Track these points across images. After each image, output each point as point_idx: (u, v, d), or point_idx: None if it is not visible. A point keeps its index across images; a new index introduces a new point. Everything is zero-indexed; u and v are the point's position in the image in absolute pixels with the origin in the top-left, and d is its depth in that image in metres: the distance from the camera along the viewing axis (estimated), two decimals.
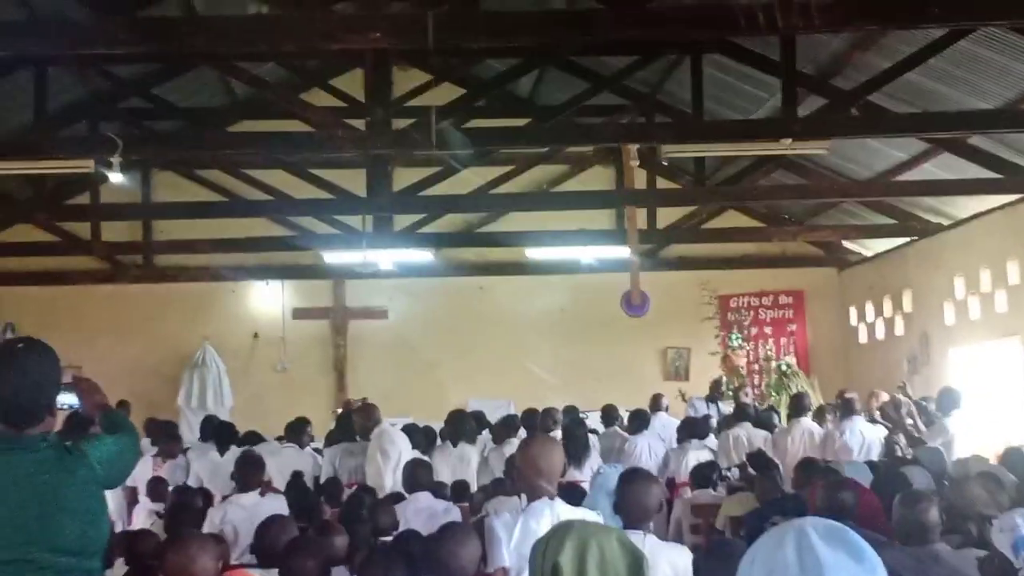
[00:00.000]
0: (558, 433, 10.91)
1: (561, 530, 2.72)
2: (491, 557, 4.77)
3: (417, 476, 8.03)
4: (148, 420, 13.73)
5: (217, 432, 11.28)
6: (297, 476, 9.50)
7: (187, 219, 16.53)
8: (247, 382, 18.45)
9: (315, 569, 4.99)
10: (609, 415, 13.27)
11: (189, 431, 15.58)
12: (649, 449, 11.49)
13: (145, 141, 13.34)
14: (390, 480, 9.24)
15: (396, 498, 8.14)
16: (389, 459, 9.54)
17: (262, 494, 7.92)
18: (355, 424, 10.43)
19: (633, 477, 5.20)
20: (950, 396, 11.29)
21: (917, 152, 13.61)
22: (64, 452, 3.82)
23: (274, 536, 5.81)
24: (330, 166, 16.33)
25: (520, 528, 4.73)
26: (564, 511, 4.77)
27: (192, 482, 10.18)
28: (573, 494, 7.14)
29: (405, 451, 9.69)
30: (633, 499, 5.00)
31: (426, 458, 9.48)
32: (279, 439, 11.61)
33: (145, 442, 12.52)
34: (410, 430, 10.82)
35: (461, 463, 10.58)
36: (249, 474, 7.92)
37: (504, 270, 18.41)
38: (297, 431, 11.12)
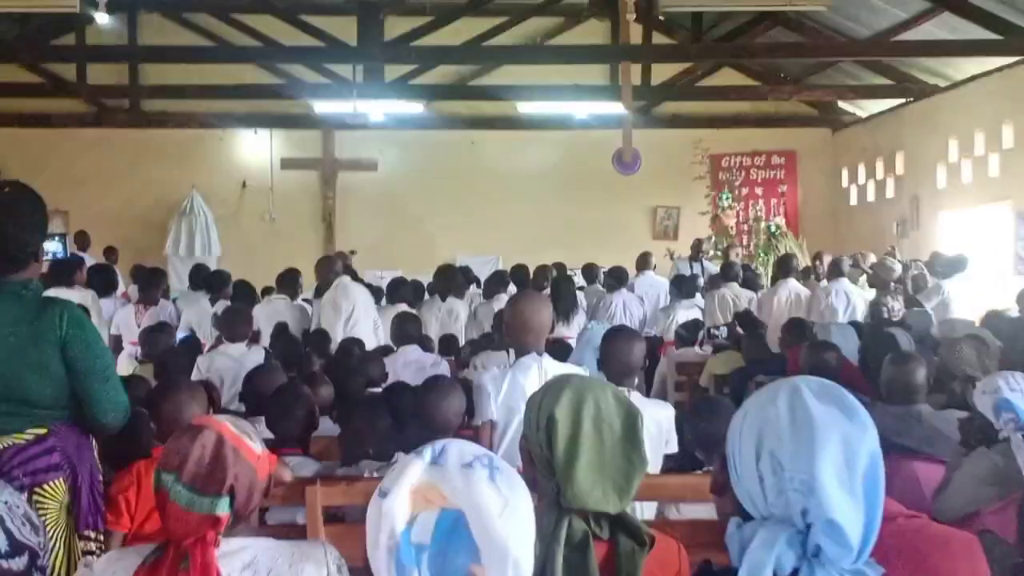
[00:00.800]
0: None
1: (557, 383, 2.73)
2: (479, 411, 4.81)
3: (406, 329, 8.05)
4: (135, 267, 13.73)
5: (208, 280, 11.25)
6: (283, 327, 9.50)
7: (174, 63, 16.26)
8: (235, 231, 18.43)
9: (302, 418, 5.04)
10: (590, 273, 13.32)
11: (176, 279, 15.63)
12: (624, 306, 11.52)
13: None
14: (340, 334, 9.18)
15: (385, 351, 8.19)
16: (340, 313, 9.47)
17: (248, 346, 7.93)
18: (316, 275, 10.36)
19: (617, 334, 5.23)
20: (954, 260, 11.43)
21: (918, 11, 13.41)
22: (45, 302, 3.78)
23: (262, 384, 5.86)
24: (320, 12, 16.04)
25: (508, 382, 4.78)
26: (552, 367, 4.81)
27: (182, 330, 10.22)
28: (560, 350, 7.21)
29: (360, 306, 9.58)
30: (617, 356, 5.04)
31: (414, 311, 9.50)
32: (267, 290, 11.63)
33: (132, 289, 12.55)
34: (398, 283, 10.83)
35: (449, 317, 10.64)
36: (235, 325, 7.91)
37: (496, 124, 18.26)
38: (288, 283, 11.15)
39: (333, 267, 9.95)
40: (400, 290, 10.54)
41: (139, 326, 9.92)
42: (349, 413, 5.18)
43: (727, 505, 2.22)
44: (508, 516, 2.04)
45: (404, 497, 2.04)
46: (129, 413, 3.93)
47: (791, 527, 2.06)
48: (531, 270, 11.76)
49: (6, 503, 2.00)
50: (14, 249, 3.76)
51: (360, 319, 9.49)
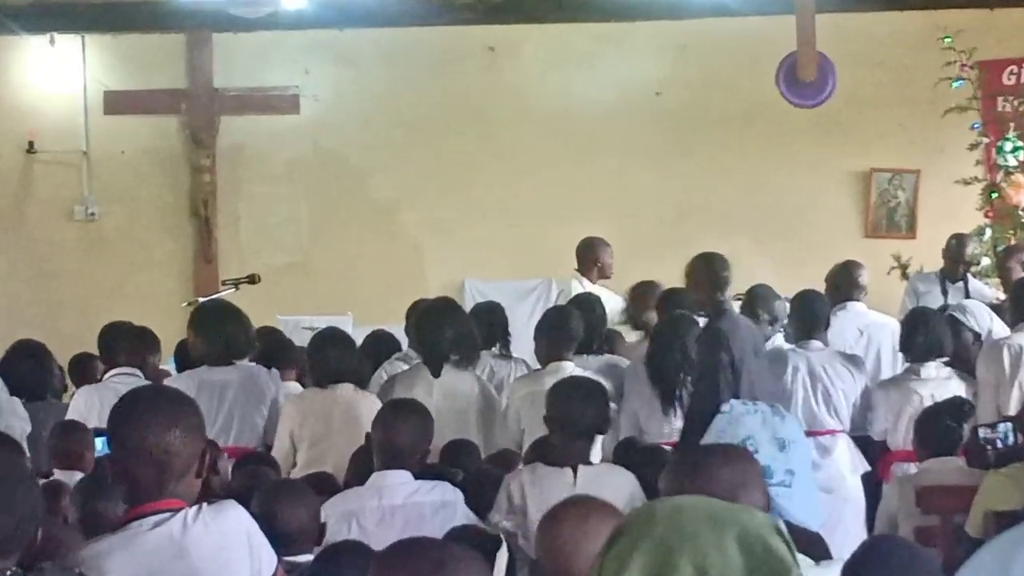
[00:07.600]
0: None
1: (635, 526, 2.79)
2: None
3: (395, 435, 7.94)
4: None
5: None
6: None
7: None
8: (15, 240, 18.58)
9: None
10: (753, 304, 13.00)
11: None
12: (810, 376, 11.43)
13: None
14: None
15: (321, 479, 8.23)
16: None
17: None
18: None
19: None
20: None
21: None
22: None
23: None
24: None
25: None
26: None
27: None
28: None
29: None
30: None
31: (406, 395, 9.51)
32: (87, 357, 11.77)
33: None
34: (330, 342, 10.77)
35: (450, 405, 10.60)
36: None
37: (536, 14, 18.38)
38: (138, 346, 11.32)
39: None
40: (337, 357, 10.50)
41: None
42: None
43: None
44: None
45: None
46: None
47: None
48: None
49: None
50: None
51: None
